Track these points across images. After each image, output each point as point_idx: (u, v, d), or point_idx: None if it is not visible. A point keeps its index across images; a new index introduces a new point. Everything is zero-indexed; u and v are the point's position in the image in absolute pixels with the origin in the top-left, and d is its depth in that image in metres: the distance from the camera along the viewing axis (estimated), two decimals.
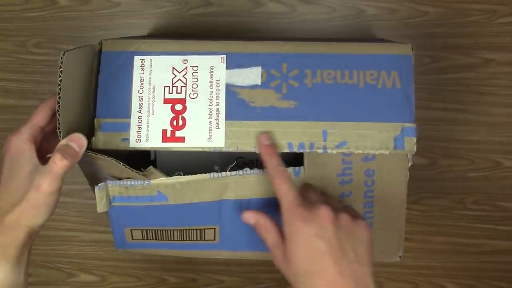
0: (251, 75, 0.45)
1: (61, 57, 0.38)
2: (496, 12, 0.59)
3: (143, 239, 0.49)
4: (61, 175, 0.40)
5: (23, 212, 0.40)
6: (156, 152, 0.56)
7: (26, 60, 0.63)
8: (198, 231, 0.48)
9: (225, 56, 0.46)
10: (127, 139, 0.44)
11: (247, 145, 0.44)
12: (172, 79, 0.46)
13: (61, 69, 0.38)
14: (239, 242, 0.49)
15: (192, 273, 0.68)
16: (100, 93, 0.45)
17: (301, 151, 0.44)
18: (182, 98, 0.45)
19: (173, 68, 0.46)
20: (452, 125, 0.62)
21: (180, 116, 0.45)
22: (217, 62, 0.46)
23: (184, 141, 0.44)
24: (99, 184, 0.45)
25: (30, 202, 0.39)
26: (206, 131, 0.44)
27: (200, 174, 0.45)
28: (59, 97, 0.39)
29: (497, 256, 0.65)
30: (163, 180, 0.45)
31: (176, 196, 0.46)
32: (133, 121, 0.45)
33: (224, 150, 0.44)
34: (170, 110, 0.45)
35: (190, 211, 0.47)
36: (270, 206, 0.46)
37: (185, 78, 0.46)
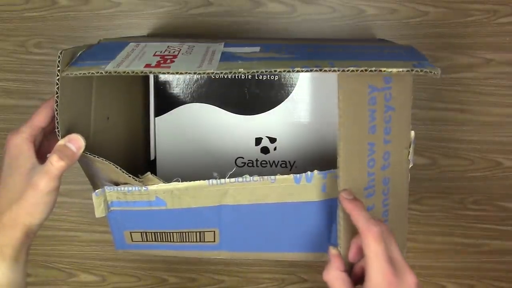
0: (249, 50, 0.43)
1: (59, 56, 0.38)
2: (496, 12, 0.59)
3: (142, 241, 0.49)
4: (59, 176, 0.40)
5: (21, 210, 0.40)
6: (156, 151, 0.56)
7: (26, 60, 0.63)
8: (198, 233, 0.48)
9: (223, 42, 0.44)
10: (103, 68, 0.39)
11: (241, 69, 0.38)
12: (166, 48, 0.43)
13: (58, 68, 0.38)
14: (239, 243, 0.49)
15: (192, 273, 0.68)
16: (87, 51, 0.43)
17: (304, 70, 0.38)
18: (174, 54, 0.42)
19: (169, 45, 0.44)
20: (452, 125, 0.62)
21: (169, 60, 0.41)
22: (215, 44, 0.44)
23: (169, 68, 0.40)
24: (96, 191, 0.44)
25: (28, 201, 0.40)
26: (196, 64, 0.40)
27: (198, 181, 0.43)
28: (57, 96, 0.39)
29: (497, 256, 0.65)
30: (160, 186, 0.44)
31: (174, 202, 0.45)
32: (115, 61, 0.41)
33: (215, 73, 0.39)
34: (159, 58, 0.41)
35: (189, 215, 0.46)
36: (270, 212, 0.46)
37: (179, 48, 0.43)
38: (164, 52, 0.42)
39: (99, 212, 0.45)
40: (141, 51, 0.43)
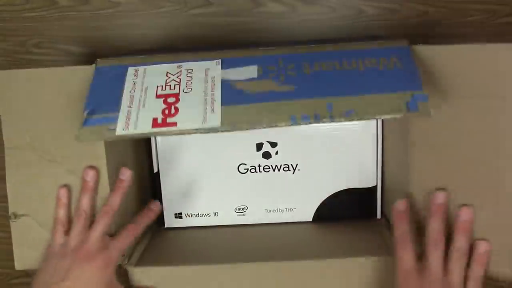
0: (247, 72, 0.44)
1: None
2: (496, 12, 0.59)
3: None
4: None
5: None
6: (159, 163, 0.55)
7: (26, 60, 0.63)
8: None
9: (220, 60, 0.45)
10: (113, 129, 0.42)
11: (245, 124, 0.41)
12: (166, 80, 0.44)
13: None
14: None
15: None
16: (90, 94, 0.44)
17: (305, 123, 0.40)
18: (175, 93, 0.43)
19: (167, 72, 0.44)
20: None
21: (173, 106, 0.42)
22: (213, 65, 0.44)
23: (176, 126, 0.41)
24: None
25: None
26: (201, 115, 0.42)
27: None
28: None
29: None
30: None
31: None
32: (122, 113, 0.43)
33: (219, 130, 0.41)
34: (162, 102, 0.43)
35: None
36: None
37: (179, 78, 0.44)
38: (164, 89, 0.43)
39: None
40: (142, 91, 0.44)
